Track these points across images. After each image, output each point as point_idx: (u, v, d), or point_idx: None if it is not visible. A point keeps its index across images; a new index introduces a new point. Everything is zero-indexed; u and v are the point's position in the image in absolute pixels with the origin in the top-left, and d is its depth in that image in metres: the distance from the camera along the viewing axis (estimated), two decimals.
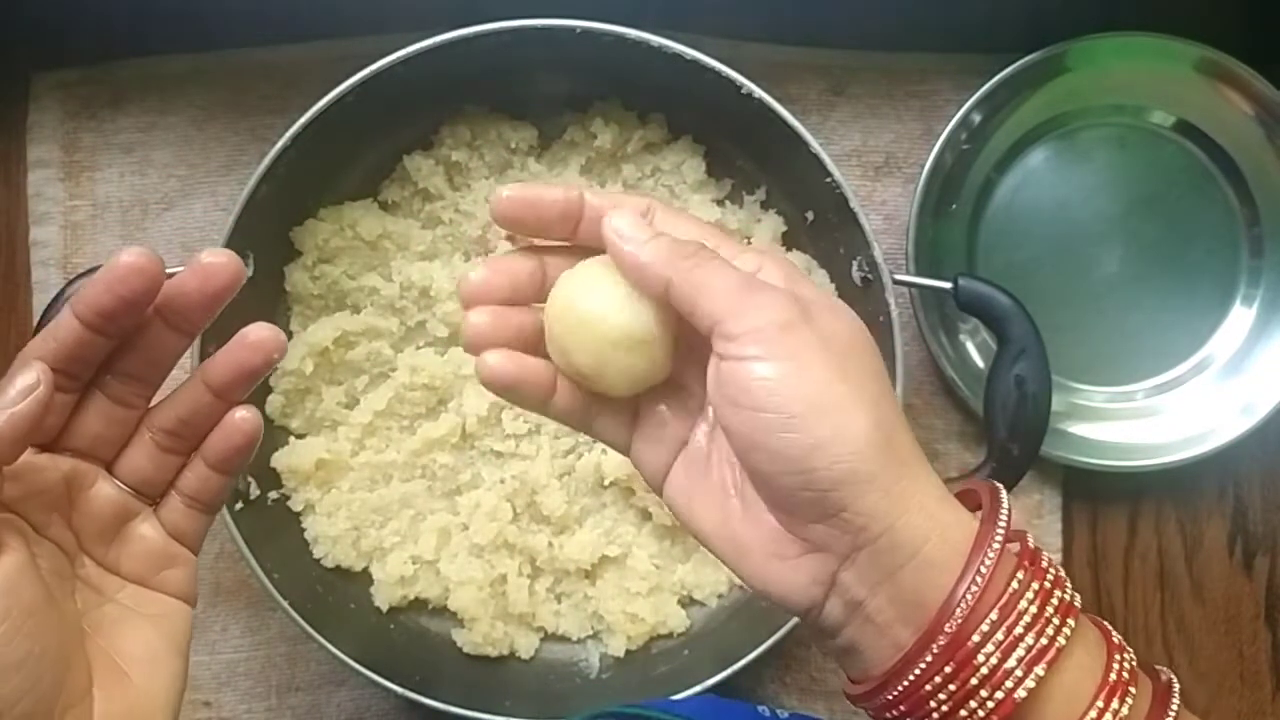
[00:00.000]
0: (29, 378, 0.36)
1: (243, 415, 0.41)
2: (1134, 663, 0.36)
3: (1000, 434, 0.57)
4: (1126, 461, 0.65)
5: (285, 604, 0.57)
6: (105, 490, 0.41)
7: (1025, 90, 0.64)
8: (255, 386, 0.41)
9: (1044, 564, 0.36)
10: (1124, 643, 0.37)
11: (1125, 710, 0.35)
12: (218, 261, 0.39)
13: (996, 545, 0.35)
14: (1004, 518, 0.36)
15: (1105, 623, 0.38)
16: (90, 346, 0.38)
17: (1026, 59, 0.63)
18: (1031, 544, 0.37)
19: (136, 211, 0.66)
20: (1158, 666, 0.38)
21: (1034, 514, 0.66)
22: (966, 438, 0.66)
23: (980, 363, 0.66)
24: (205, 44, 0.65)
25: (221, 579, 0.65)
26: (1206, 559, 0.67)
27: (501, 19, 0.56)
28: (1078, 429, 0.66)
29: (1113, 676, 0.35)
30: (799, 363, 0.35)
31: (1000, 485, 0.38)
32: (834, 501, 0.35)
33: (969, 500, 0.38)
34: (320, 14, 0.64)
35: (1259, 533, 0.67)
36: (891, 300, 0.58)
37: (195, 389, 0.41)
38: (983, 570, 0.34)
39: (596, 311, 0.38)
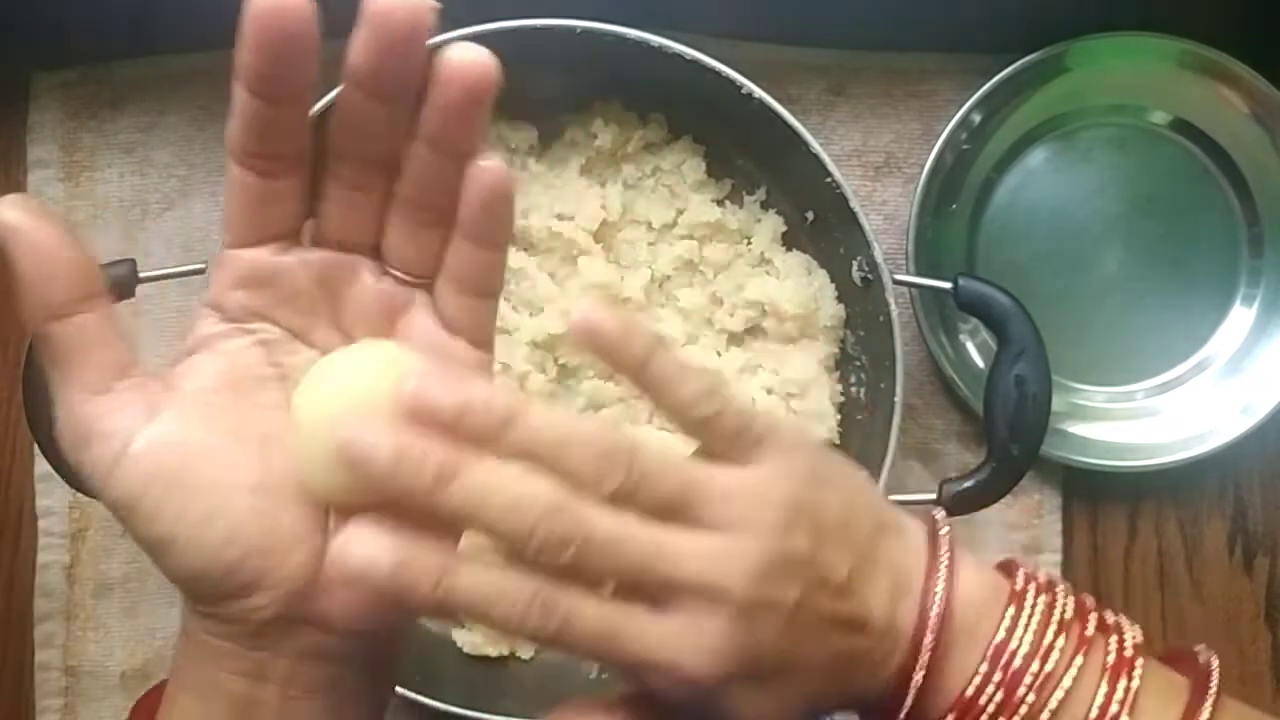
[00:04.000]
0: (10, 217, 0.32)
1: (483, 166, 0.34)
2: (1136, 678, 0.36)
3: (1000, 434, 0.57)
4: (1126, 461, 0.65)
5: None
6: (368, 283, 0.36)
7: (1025, 90, 0.64)
8: (486, 123, 0.34)
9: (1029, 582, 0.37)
10: (1135, 652, 0.37)
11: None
12: (391, 4, 0.33)
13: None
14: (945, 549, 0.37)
15: (1114, 620, 0.38)
16: (271, 120, 0.34)
17: (1026, 59, 0.63)
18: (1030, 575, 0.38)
19: (136, 211, 0.66)
20: (1198, 648, 0.38)
21: (1034, 514, 0.66)
22: (966, 438, 0.66)
23: (980, 363, 0.66)
24: (205, 44, 0.65)
25: None
26: (1206, 559, 0.67)
27: (501, 19, 0.56)
28: (1078, 429, 0.66)
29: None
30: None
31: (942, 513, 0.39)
32: None
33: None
34: (320, 14, 0.64)
35: (1259, 533, 0.67)
36: (891, 300, 0.58)
37: (419, 150, 0.34)
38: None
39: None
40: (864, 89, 0.66)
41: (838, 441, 0.63)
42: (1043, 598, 0.37)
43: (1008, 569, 0.38)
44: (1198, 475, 0.66)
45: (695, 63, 0.57)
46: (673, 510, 0.33)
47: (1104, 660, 0.36)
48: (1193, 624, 0.67)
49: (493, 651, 0.63)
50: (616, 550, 0.32)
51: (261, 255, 0.35)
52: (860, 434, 0.63)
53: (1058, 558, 0.66)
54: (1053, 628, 0.36)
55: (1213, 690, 0.36)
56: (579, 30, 0.56)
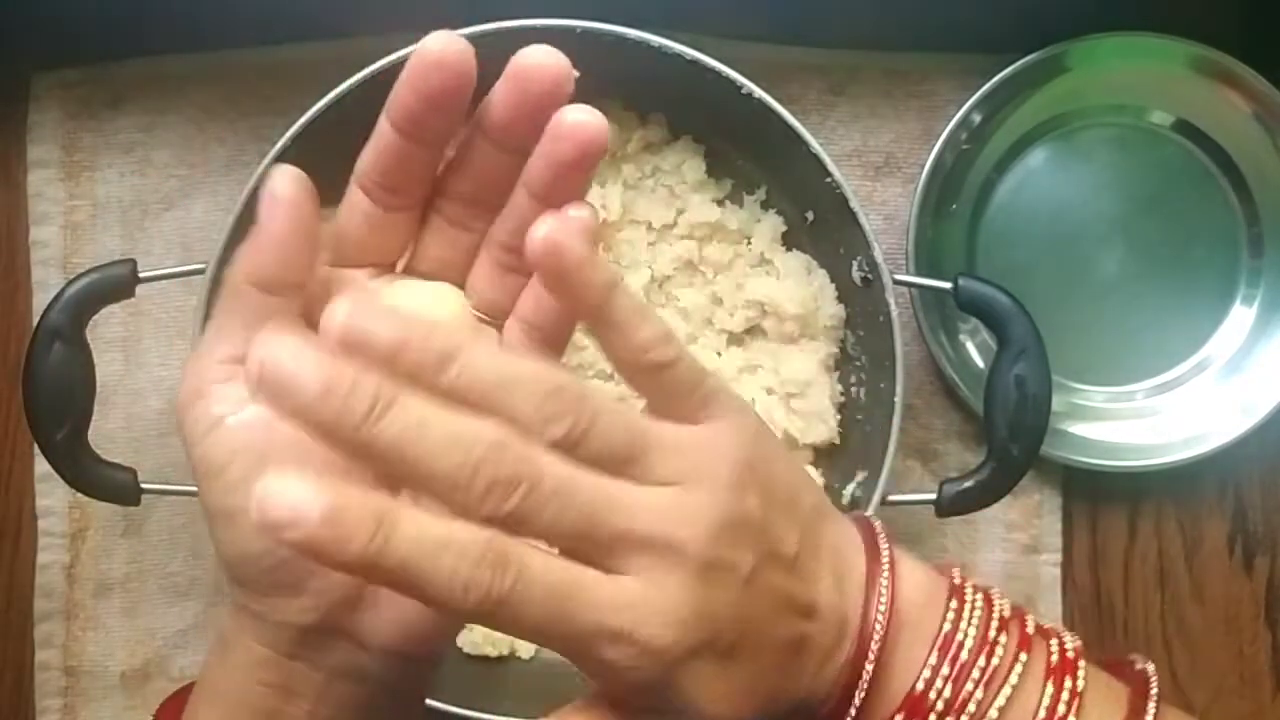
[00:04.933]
0: (280, 185, 0.34)
1: (575, 214, 0.34)
2: (1081, 679, 0.36)
3: (1000, 434, 0.57)
4: (1126, 461, 0.65)
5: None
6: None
7: (1025, 90, 0.64)
8: (588, 182, 0.35)
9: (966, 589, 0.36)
10: (1075, 655, 0.36)
11: None
12: (536, 62, 0.33)
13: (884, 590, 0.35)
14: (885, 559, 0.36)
15: (1050, 629, 0.37)
16: (409, 157, 0.34)
17: (1026, 59, 0.63)
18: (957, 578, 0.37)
19: (136, 211, 0.66)
20: (1133, 657, 0.38)
21: (1034, 514, 0.66)
22: (966, 438, 0.66)
23: (980, 363, 0.66)
24: (205, 44, 0.65)
25: (222, 579, 0.65)
26: (1206, 559, 0.67)
27: (501, 19, 0.56)
28: (1078, 429, 0.66)
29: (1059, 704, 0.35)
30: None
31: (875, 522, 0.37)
32: None
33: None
34: (321, 14, 0.64)
35: (1259, 533, 0.67)
36: (891, 300, 0.58)
37: (520, 198, 0.36)
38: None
39: None
40: (864, 89, 0.66)
41: (838, 441, 0.63)
42: (980, 595, 0.36)
43: (940, 568, 0.37)
44: (1198, 475, 0.66)
45: (695, 63, 0.57)
46: (621, 462, 0.31)
47: (1047, 660, 0.35)
48: (1193, 624, 0.67)
49: (492, 651, 0.63)
50: (567, 497, 0.29)
51: (358, 277, 0.37)
52: (860, 434, 0.63)
53: (1058, 558, 0.66)
54: (995, 623, 0.35)
55: (1154, 695, 0.36)
56: (579, 30, 0.56)
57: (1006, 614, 0.36)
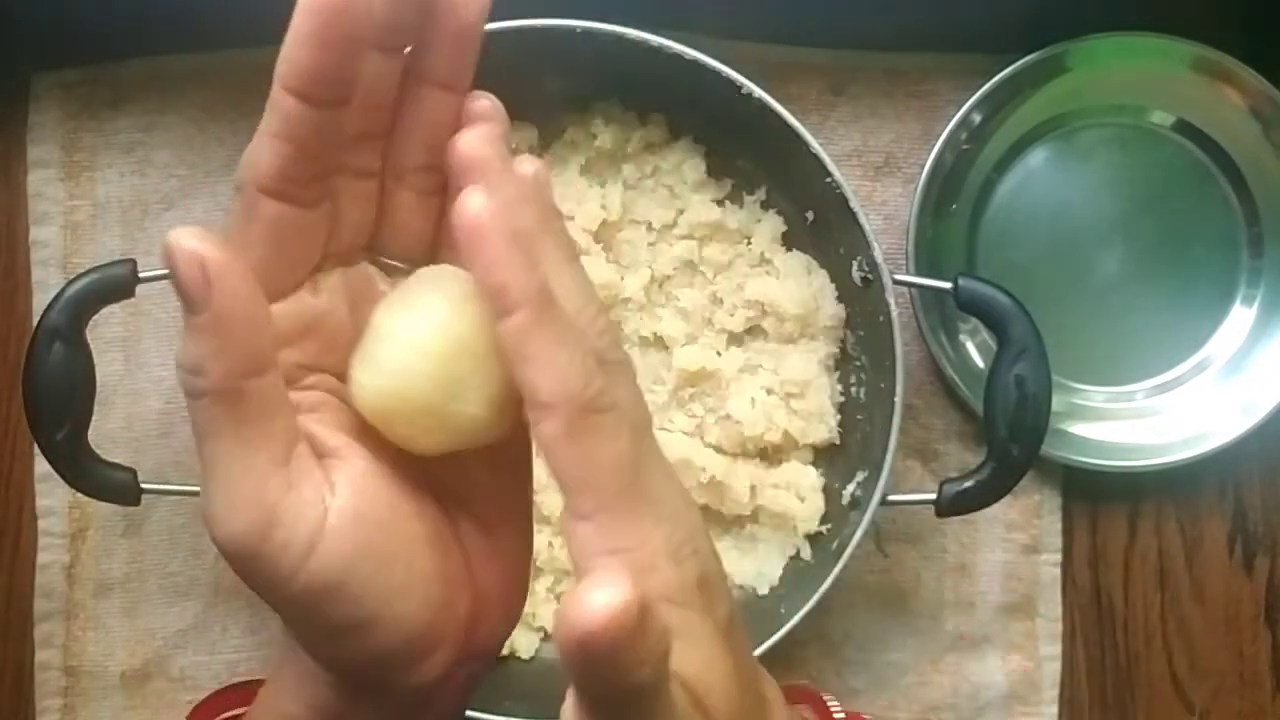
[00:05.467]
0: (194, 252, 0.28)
1: (481, 105, 0.31)
2: None
3: (1000, 434, 0.57)
4: (1126, 462, 0.65)
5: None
6: (382, 288, 0.33)
7: (1025, 90, 0.64)
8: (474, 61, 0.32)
9: None
10: None
11: None
12: None
13: None
14: None
15: None
16: (329, 130, 0.30)
17: (1026, 59, 0.63)
18: None
19: (136, 211, 0.66)
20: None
21: (1034, 514, 0.66)
22: (966, 438, 0.66)
23: (980, 363, 0.66)
24: (205, 44, 0.65)
25: (221, 579, 0.65)
26: (1206, 559, 0.67)
27: (502, 19, 0.56)
28: (1078, 429, 0.66)
29: None
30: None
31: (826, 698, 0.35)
32: None
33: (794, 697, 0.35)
34: None
35: (1259, 533, 0.67)
36: (891, 300, 0.58)
37: (421, 102, 0.31)
38: None
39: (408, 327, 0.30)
40: (864, 89, 0.66)
41: (838, 441, 0.63)
42: None
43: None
44: (1198, 475, 0.66)
45: (695, 63, 0.57)
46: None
47: None
48: (1193, 624, 0.67)
49: None
50: (637, 395, 0.30)
51: (301, 303, 0.31)
52: (860, 434, 0.63)
53: (1057, 558, 0.66)
54: None
55: None
56: (579, 30, 0.56)
57: None
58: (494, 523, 0.33)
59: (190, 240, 0.28)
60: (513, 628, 0.36)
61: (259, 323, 0.29)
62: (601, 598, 0.24)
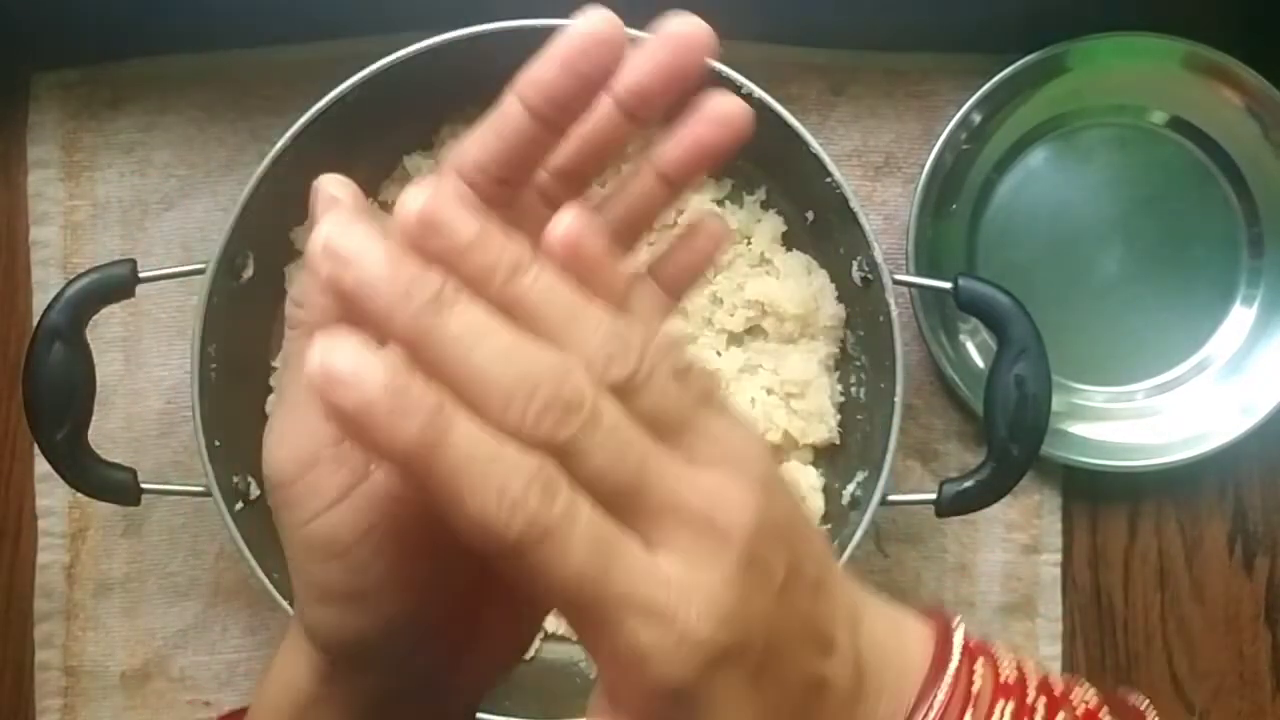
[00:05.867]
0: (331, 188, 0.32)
1: (713, 225, 0.34)
2: None
3: (1000, 434, 0.57)
4: (1126, 462, 0.65)
5: (285, 604, 0.57)
6: None
7: (1025, 90, 0.64)
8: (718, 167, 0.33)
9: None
10: (1096, 710, 0.34)
11: None
12: (689, 29, 0.31)
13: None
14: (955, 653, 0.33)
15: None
16: (536, 143, 0.31)
17: (1026, 59, 0.63)
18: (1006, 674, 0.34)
19: (136, 211, 0.66)
20: (1126, 692, 0.36)
21: (1034, 514, 0.66)
22: (966, 438, 0.66)
23: (980, 363, 0.66)
24: (205, 44, 0.65)
25: (221, 579, 0.65)
26: (1206, 559, 0.67)
27: (502, 19, 0.56)
28: (1078, 429, 0.66)
29: None
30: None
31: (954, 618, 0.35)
32: None
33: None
34: (320, 14, 0.64)
35: (1259, 533, 0.67)
36: (891, 300, 0.58)
37: (645, 179, 0.34)
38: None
39: None
40: (864, 89, 0.66)
41: (838, 441, 0.63)
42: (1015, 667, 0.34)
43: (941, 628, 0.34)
44: (1198, 475, 0.66)
45: None
46: (671, 427, 0.28)
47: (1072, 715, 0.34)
48: (1193, 624, 0.67)
49: None
50: (623, 443, 0.26)
51: None
52: (860, 434, 0.63)
53: (1058, 558, 0.66)
54: (1032, 692, 0.33)
55: None
56: None
57: (1040, 677, 0.34)
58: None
59: (330, 184, 0.32)
60: (503, 673, 0.36)
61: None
62: None
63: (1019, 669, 0.34)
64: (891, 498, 0.59)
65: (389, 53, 0.55)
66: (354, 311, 0.25)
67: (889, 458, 0.58)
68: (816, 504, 0.62)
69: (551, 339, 0.26)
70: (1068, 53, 0.64)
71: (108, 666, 0.65)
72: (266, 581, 0.57)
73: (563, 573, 0.25)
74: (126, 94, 0.65)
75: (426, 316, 0.25)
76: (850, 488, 0.62)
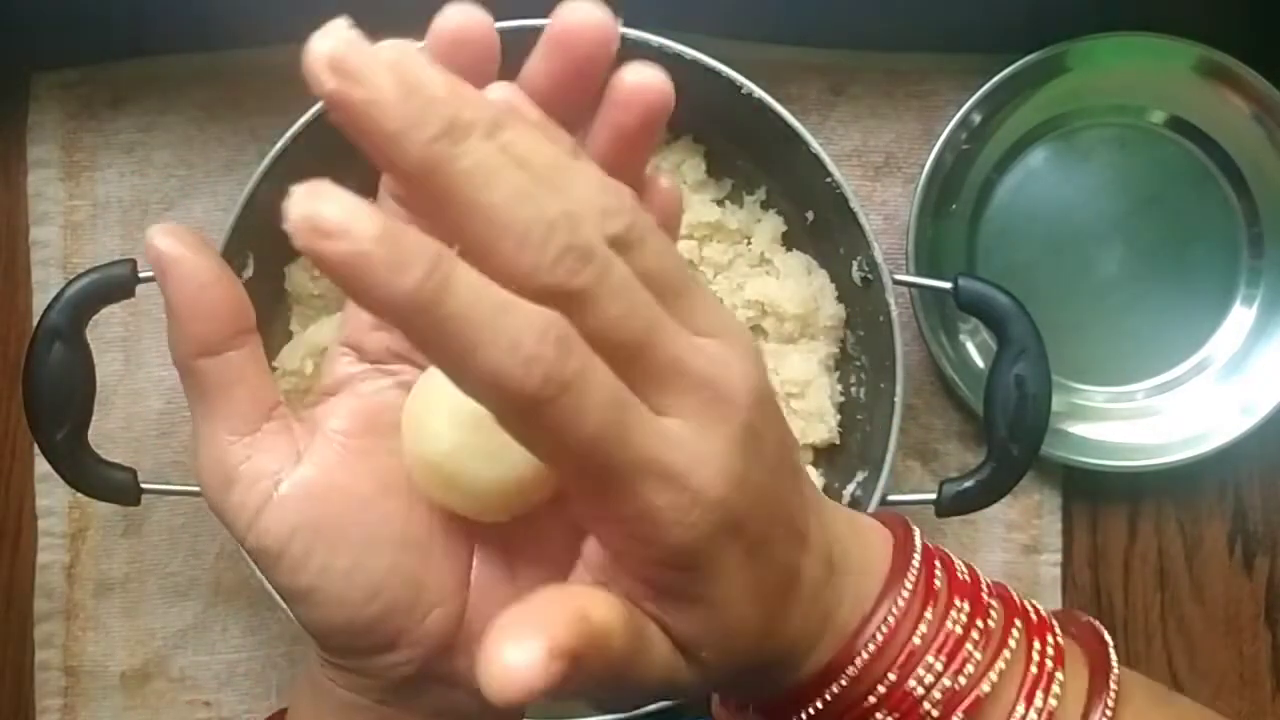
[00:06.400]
0: (160, 244, 0.32)
1: (664, 186, 0.32)
2: (1057, 643, 0.34)
3: (1000, 434, 0.57)
4: (1126, 462, 0.65)
5: (285, 604, 0.57)
6: None
7: (1025, 90, 0.64)
8: (654, 147, 0.31)
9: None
10: (1047, 618, 0.35)
11: (1052, 702, 0.33)
12: (578, 21, 0.29)
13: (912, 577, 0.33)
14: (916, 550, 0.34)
15: (1025, 604, 0.36)
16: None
17: (1026, 59, 0.63)
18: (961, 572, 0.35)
19: (136, 211, 0.66)
20: (1087, 618, 0.37)
21: (1034, 514, 0.66)
22: (966, 438, 0.66)
23: (980, 363, 0.66)
24: (205, 44, 0.65)
25: (221, 579, 0.65)
26: (1206, 559, 0.67)
27: (502, 19, 0.55)
28: (1078, 429, 0.66)
29: (1033, 669, 0.33)
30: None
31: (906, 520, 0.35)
32: None
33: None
34: (321, 14, 0.64)
35: (1259, 533, 0.67)
36: (891, 300, 0.58)
37: None
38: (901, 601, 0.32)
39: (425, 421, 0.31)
40: (864, 89, 0.66)
41: (838, 442, 0.63)
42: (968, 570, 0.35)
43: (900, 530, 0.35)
44: (1198, 475, 0.66)
45: (695, 63, 0.57)
46: (670, 289, 0.27)
47: (1028, 621, 0.34)
48: (1193, 624, 0.67)
49: None
50: (631, 300, 0.25)
51: None
52: (860, 434, 0.63)
53: (1058, 558, 0.66)
54: (985, 589, 0.34)
55: (1110, 646, 0.35)
56: None
57: (993, 583, 0.35)
58: (517, 565, 0.33)
59: (153, 236, 0.32)
60: None
61: (207, 310, 0.31)
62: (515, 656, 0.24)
63: (971, 570, 0.35)
64: (891, 498, 0.59)
65: None
66: (358, 132, 0.23)
67: (889, 458, 0.58)
68: None
69: (549, 189, 0.24)
70: (1068, 53, 0.64)
71: (108, 666, 0.65)
72: (266, 582, 0.57)
73: (579, 433, 0.24)
74: (126, 94, 0.65)
75: (442, 145, 0.23)
76: (850, 488, 0.62)
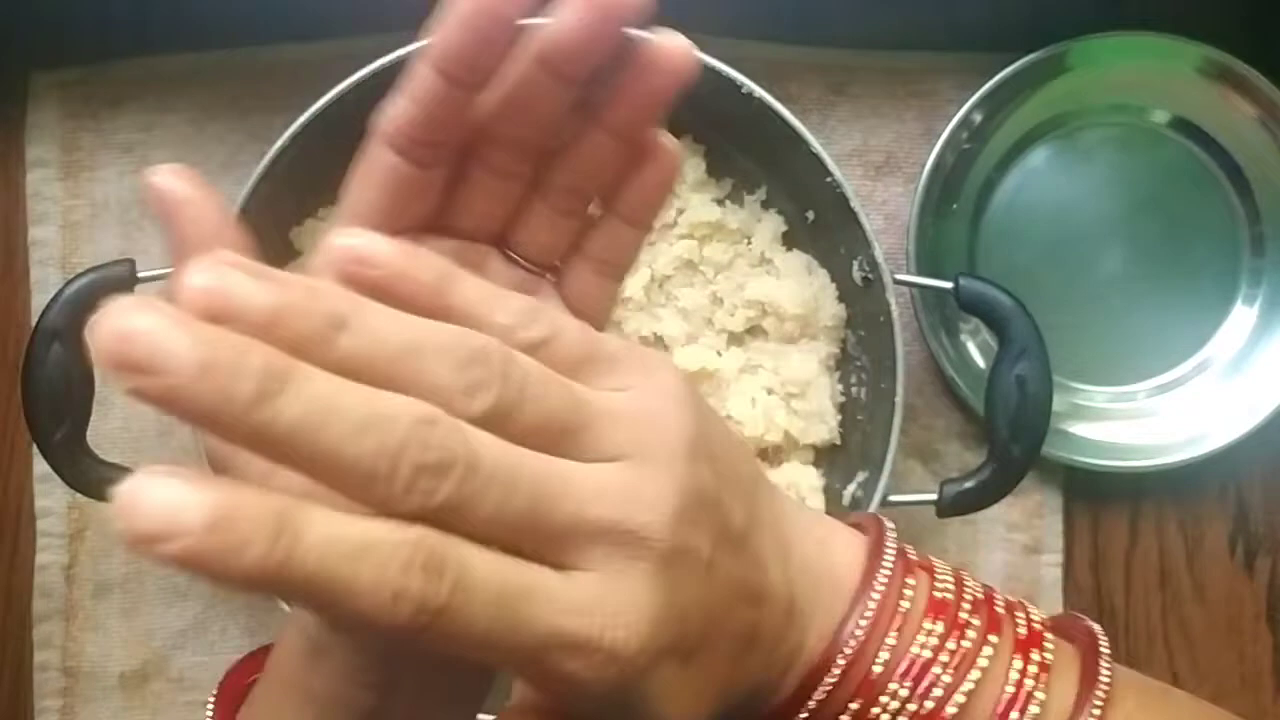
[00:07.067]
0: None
1: (667, 148, 0.34)
2: (1043, 660, 0.34)
3: (1001, 434, 0.57)
4: (1127, 462, 0.65)
5: (285, 604, 0.57)
6: (500, 271, 0.34)
7: (1026, 90, 0.64)
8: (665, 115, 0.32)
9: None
10: (1040, 630, 0.34)
11: (1036, 709, 0.32)
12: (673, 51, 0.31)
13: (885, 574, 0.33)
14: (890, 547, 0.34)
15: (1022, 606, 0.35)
16: (455, 103, 0.31)
17: (1027, 59, 0.63)
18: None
19: (136, 211, 0.66)
20: (1086, 622, 0.37)
21: (1034, 514, 0.66)
22: (966, 438, 0.66)
23: (981, 363, 0.66)
24: (205, 44, 0.65)
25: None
26: (1207, 560, 0.67)
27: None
28: (1078, 429, 0.66)
29: (1009, 689, 0.33)
30: None
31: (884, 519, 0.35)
32: None
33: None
34: (321, 14, 0.64)
35: (1260, 533, 0.67)
36: (892, 300, 0.58)
37: (595, 138, 0.33)
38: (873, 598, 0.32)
39: None
40: (864, 88, 0.66)
41: (838, 442, 0.63)
42: (951, 577, 0.34)
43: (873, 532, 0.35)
44: (1199, 476, 0.66)
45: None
46: (560, 435, 0.26)
47: (1014, 636, 0.34)
48: (1194, 625, 0.67)
49: None
50: (510, 480, 0.24)
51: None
52: (860, 434, 0.63)
53: (1058, 558, 0.66)
54: (966, 605, 0.34)
55: (1104, 652, 0.35)
56: None
57: (979, 596, 0.34)
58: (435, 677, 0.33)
59: (155, 174, 0.34)
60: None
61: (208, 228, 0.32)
62: None
63: (957, 583, 0.34)
64: (892, 498, 0.59)
65: (387, 53, 0.55)
66: (179, 417, 0.22)
67: (889, 458, 0.58)
68: (817, 504, 0.62)
69: (401, 386, 0.24)
70: (1069, 52, 0.63)
71: (107, 667, 0.65)
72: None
73: (468, 640, 0.24)
74: (126, 94, 0.65)
75: (259, 410, 0.21)
76: (851, 488, 0.62)
